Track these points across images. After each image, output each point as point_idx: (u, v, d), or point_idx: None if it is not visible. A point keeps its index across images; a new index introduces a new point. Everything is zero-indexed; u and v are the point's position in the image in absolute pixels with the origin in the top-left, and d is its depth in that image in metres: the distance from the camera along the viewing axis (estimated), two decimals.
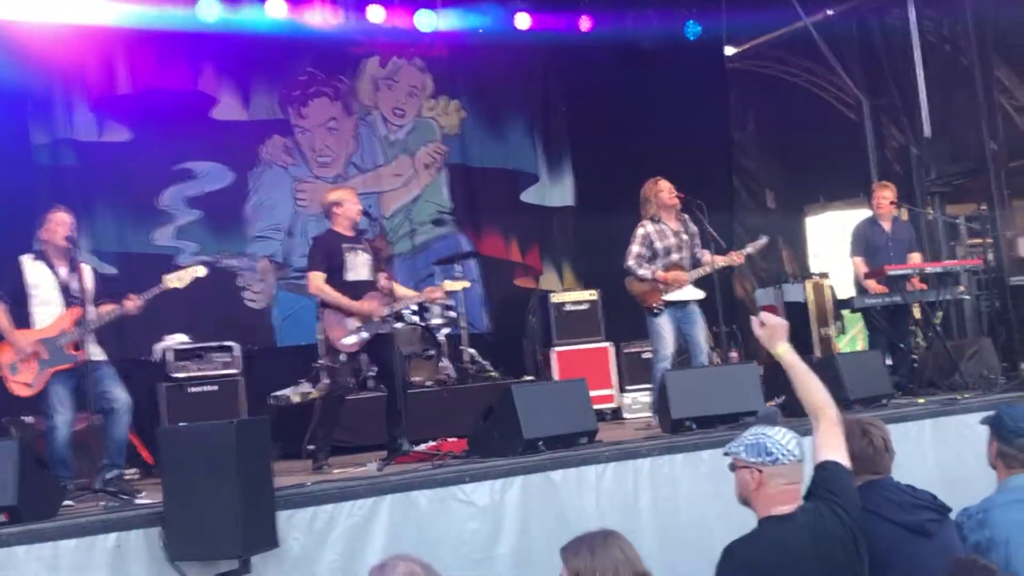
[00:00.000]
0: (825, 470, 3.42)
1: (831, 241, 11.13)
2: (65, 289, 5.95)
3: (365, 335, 6.52)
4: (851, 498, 3.37)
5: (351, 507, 5.12)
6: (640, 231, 7.42)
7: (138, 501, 5.41)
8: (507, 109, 10.72)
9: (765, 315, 3.72)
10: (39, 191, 8.58)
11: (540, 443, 5.90)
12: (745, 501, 3.40)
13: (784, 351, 3.63)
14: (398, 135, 10.33)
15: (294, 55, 9.78)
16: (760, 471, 3.32)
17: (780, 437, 3.35)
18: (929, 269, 8.17)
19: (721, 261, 7.43)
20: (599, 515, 5.61)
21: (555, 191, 10.86)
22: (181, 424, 5.44)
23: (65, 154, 8.88)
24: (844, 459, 3.46)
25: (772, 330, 3.65)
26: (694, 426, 6.39)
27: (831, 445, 3.46)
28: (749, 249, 7.61)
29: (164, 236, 9.22)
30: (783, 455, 3.32)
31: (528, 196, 10.79)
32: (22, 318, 5.88)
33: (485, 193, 10.55)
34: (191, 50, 9.24)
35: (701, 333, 7.37)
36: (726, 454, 3.42)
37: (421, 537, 5.17)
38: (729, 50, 11.41)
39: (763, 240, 7.71)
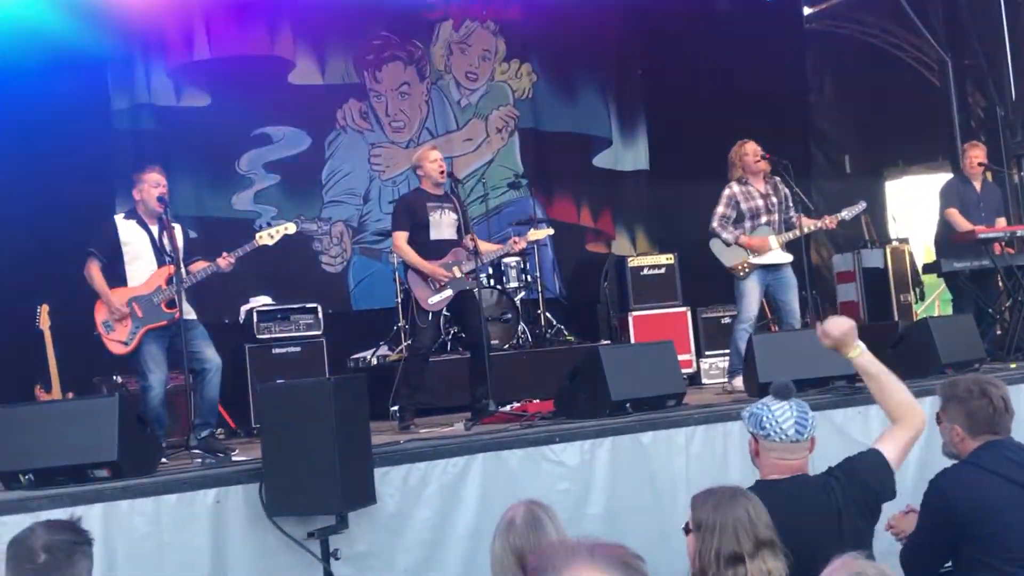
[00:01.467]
0: (859, 455, 3.44)
1: (910, 206, 10.92)
2: (158, 247, 6.00)
3: (450, 292, 6.55)
4: (859, 480, 3.35)
5: (444, 465, 5.15)
6: (726, 192, 7.35)
7: (234, 457, 5.47)
8: (580, 72, 10.64)
9: (829, 323, 3.54)
10: (120, 155, 8.68)
11: (627, 404, 5.90)
12: (753, 461, 3.43)
13: (858, 355, 3.53)
14: (470, 99, 10.30)
15: (369, 19, 9.76)
16: (756, 440, 3.38)
17: (779, 414, 3.34)
18: (1022, 232, 7.97)
19: (813, 225, 7.34)
20: (688, 478, 5.60)
21: (628, 155, 10.77)
22: (279, 381, 5.45)
23: (145, 119, 8.95)
24: (894, 453, 3.44)
25: (839, 337, 3.54)
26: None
27: (888, 438, 3.47)
28: (844, 214, 7.49)
29: (243, 200, 9.28)
30: (774, 432, 3.34)
31: (601, 160, 10.72)
32: (116, 277, 5.94)
33: (556, 157, 10.51)
34: (268, 14, 9.27)
35: (794, 297, 7.28)
36: (768, 436, 3.39)
37: (512, 495, 4.97)
38: (806, 10, 11.20)
39: (861, 205, 7.59)
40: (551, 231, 7.70)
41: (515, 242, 6.85)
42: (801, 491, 3.33)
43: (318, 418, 4.60)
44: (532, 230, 7.10)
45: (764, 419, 3.36)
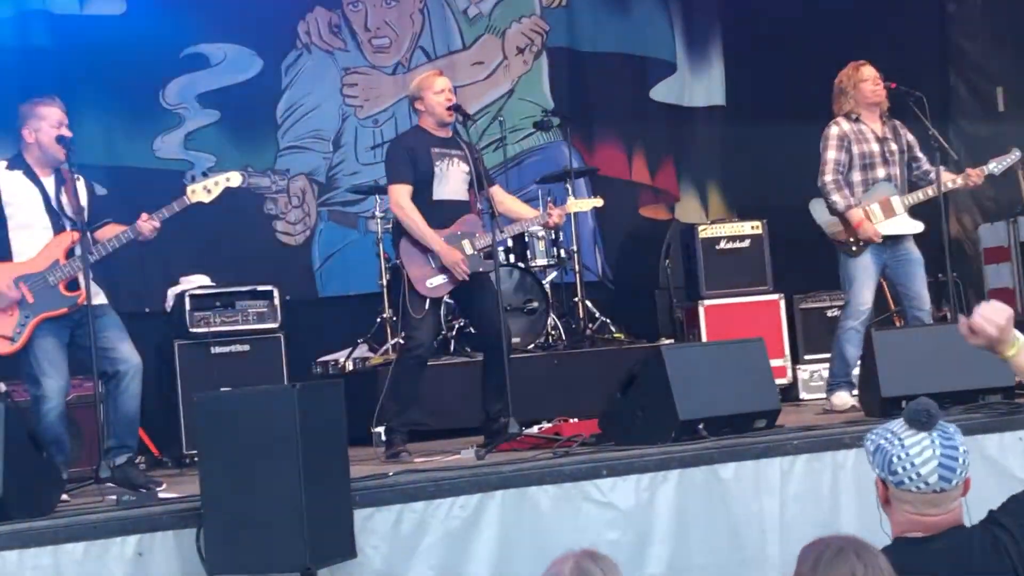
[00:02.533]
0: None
1: None
2: (54, 208, 6.00)
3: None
4: None
5: (450, 506, 5.17)
6: (833, 130, 7.35)
7: (162, 494, 5.46)
8: None
9: (980, 313, 3.45)
10: (2, 81, 8.66)
11: (700, 426, 5.93)
12: (882, 509, 3.36)
13: (1016, 353, 3.45)
14: (481, 7, 10.29)
15: None
16: (884, 485, 3.28)
17: (917, 452, 3.21)
18: None
19: (952, 182, 7.31)
20: (782, 526, 5.64)
21: (699, 86, 10.75)
22: (225, 389, 5.46)
23: (36, 31, 8.93)
24: None
25: (991, 331, 3.45)
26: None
27: None
28: (993, 166, 7.47)
29: (170, 145, 9.28)
30: (909, 479, 3.21)
31: (661, 93, 10.69)
32: None
33: (600, 88, 10.49)
34: None
35: (922, 280, 7.28)
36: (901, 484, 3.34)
37: (543, 548, 5.14)
38: None
39: (1015, 155, 7.58)
40: (599, 202, 7.67)
41: (550, 214, 6.86)
42: (961, 552, 3.25)
43: (278, 440, 4.62)
44: (571, 199, 7.09)
45: (894, 460, 3.26)
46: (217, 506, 4.70)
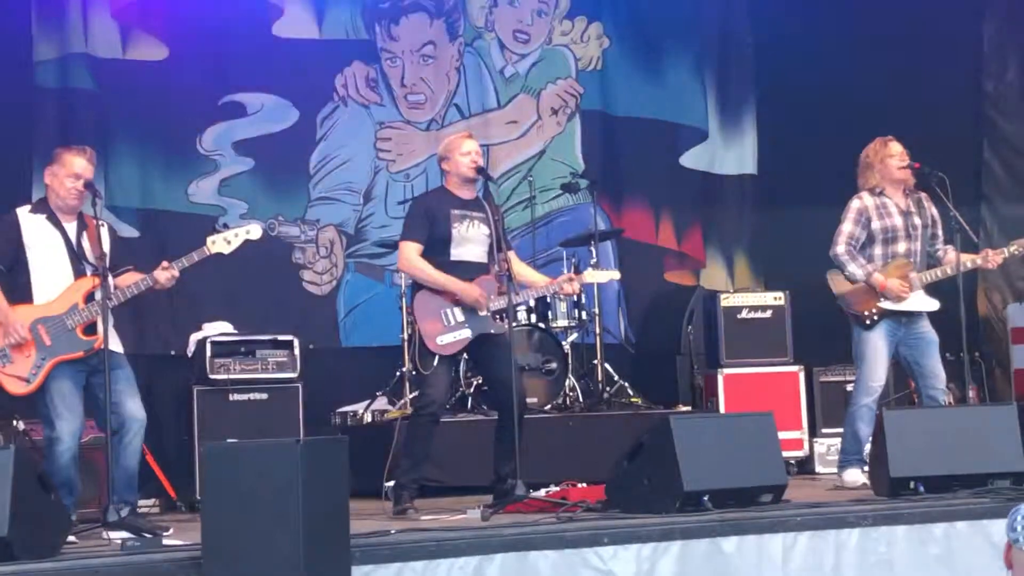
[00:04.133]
0: None
1: None
2: (76, 253, 6.08)
3: (468, 333, 6.58)
4: None
5: (449, 566, 5.18)
6: (855, 204, 7.37)
7: (166, 540, 5.50)
8: (668, 38, 10.64)
9: None
10: (42, 122, 8.85)
11: (706, 498, 5.92)
12: None
13: None
14: (518, 68, 10.35)
15: None
16: (1010, 547, 3.32)
17: None
18: None
19: (971, 262, 7.30)
20: None
21: (730, 154, 10.75)
22: (230, 441, 5.51)
23: (77, 74, 9.07)
24: None
25: None
26: (922, 488, 6.33)
27: None
28: (1013, 248, 7.43)
29: (204, 191, 9.38)
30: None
31: (691, 159, 10.70)
32: (17, 289, 6.02)
33: (631, 152, 10.51)
34: None
35: (936, 359, 7.26)
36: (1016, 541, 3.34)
37: None
38: None
39: None
40: (616, 275, 7.71)
41: (569, 280, 6.89)
42: None
43: (279, 493, 4.66)
44: (589, 270, 7.11)
45: (1019, 518, 3.31)
46: (217, 556, 4.72)
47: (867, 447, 7.09)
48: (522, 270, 6.87)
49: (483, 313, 6.59)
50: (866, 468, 7.06)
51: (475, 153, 6.76)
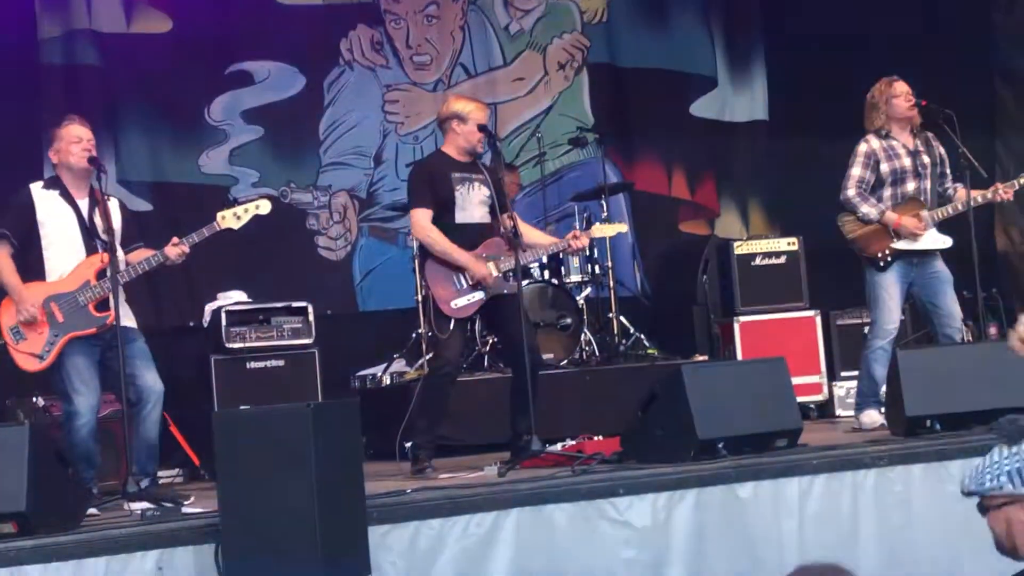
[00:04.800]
0: None
1: None
2: (88, 229, 6.12)
3: (481, 296, 6.62)
4: None
5: (466, 523, 5.23)
6: (862, 147, 7.35)
7: (186, 509, 5.57)
8: None
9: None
10: (48, 100, 8.85)
11: (720, 445, 5.94)
12: (1013, 550, 3.32)
13: None
14: (523, 24, 10.32)
15: None
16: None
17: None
18: None
19: (981, 197, 7.28)
20: (801, 546, 5.65)
21: (740, 102, 10.72)
22: (242, 408, 5.56)
23: (83, 50, 9.08)
24: None
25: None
26: (939, 427, 6.35)
27: None
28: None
29: (215, 161, 9.40)
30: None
31: (701, 108, 10.68)
32: (30, 267, 6.07)
33: (640, 104, 10.48)
34: None
35: (951, 298, 7.24)
36: (969, 493, 3.35)
37: (557, 566, 5.30)
38: None
39: None
40: (624, 228, 7.70)
41: (575, 237, 6.89)
42: None
43: (292, 458, 4.72)
44: (596, 224, 7.11)
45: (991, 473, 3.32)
46: (234, 522, 4.79)
47: (883, 388, 7.10)
48: (527, 231, 6.87)
49: (492, 285, 6.61)
50: (883, 409, 7.08)
51: (484, 120, 6.76)
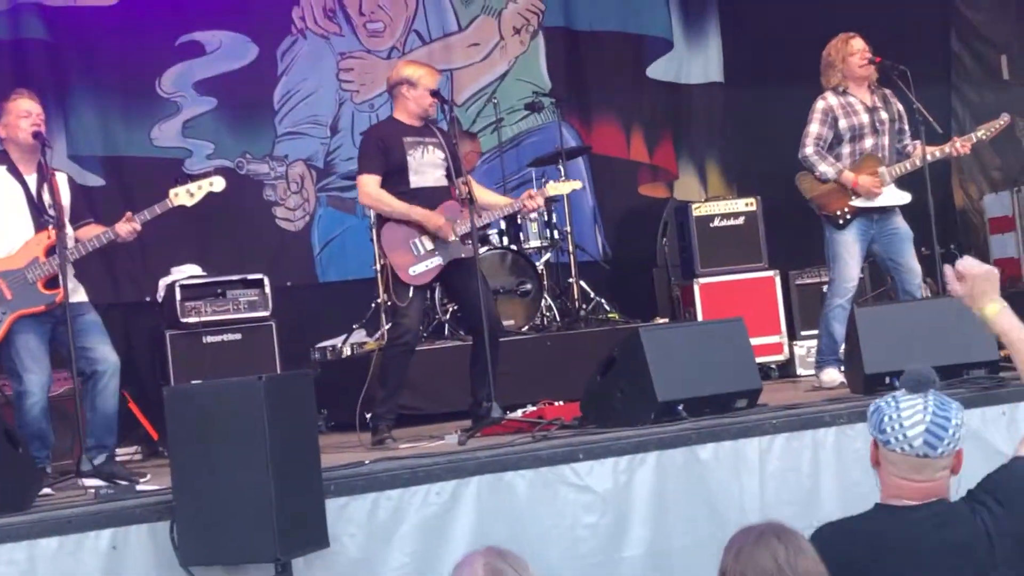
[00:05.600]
0: (1005, 468, 3.45)
1: None
2: (36, 205, 6.03)
3: (439, 261, 6.56)
4: (1018, 509, 3.36)
5: (425, 493, 5.19)
6: (820, 104, 7.35)
7: (141, 487, 5.50)
8: None
9: (965, 263, 3.61)
10: None
11: (680, 407, 5.93)
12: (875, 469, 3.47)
13: (995, 313, 3.56)
14: None
15: None
16: (875, 445, 3.41)
17: (908, 415, 3.33)
18: None
19: (938, 152, 7.29)
20: (762, 506, 5.64)
21: (696, 63, 10.73)
22: (193, 383, 5.49)
23: (30, 24, 8.93)
24: None
25: (974, 283, 3.56)
26: (897, 383, 6.25)
27: None
28: (980, 133, 7.47)
29: (167, 133, 9.31)
30: (896, 441, 3.33)
31: (658, 71, 10.68)
32: None
33: (597, 67, 10.48)
34: None
35: (911, 254, 7.26)
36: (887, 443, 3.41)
37: (519, 533, 5.22)
38: None
39: (1002, 120, 7.53)
40: (578, 185, 7.68)
41: (530, 196, 6.85)
42: (941, 524, 3.33)
43: (245, 432, 4.64)
44: (550, 183, 7.09)
45: (885, 420, 3.37)
46: (188, 498, 4.71)
47: (843, 347, 7.10)
48: (483, 194, 6.85)
49: (451, 239, 6.57)
50: (843, 368, 7.08)
51: (437, 84, 6.71)
